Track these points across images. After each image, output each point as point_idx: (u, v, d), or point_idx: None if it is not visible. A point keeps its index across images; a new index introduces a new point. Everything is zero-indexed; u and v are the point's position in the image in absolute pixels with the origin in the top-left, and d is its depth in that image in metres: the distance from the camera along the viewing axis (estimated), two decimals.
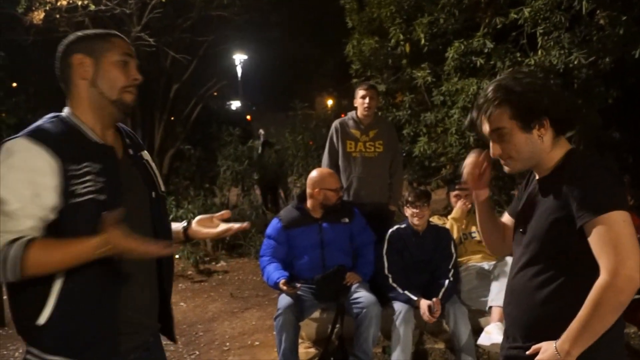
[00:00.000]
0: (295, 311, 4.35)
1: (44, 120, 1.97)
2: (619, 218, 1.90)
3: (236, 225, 2.30)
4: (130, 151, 2.12)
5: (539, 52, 5.86)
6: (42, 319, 1.87)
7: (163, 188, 2.24)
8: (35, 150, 1.84)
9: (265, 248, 4.72)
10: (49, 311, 1.87)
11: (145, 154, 2.22)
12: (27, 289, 1.88)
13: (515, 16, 5.84)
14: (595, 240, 1.90)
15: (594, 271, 1.90)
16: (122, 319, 1.98)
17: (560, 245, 2.01)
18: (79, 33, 2.06)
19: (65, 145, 1.90)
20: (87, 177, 1.89)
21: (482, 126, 2.17)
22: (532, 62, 5.79)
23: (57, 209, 1.85)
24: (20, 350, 5.44)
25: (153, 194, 2.13)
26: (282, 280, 4.39)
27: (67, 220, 1.86)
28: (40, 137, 1.87)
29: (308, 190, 4.79)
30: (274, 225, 4.78)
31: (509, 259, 4.81)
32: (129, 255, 1.86)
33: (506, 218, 2.44)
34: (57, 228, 1.87)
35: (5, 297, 6.37)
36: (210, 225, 2.34)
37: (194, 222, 2.35)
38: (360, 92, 5.45)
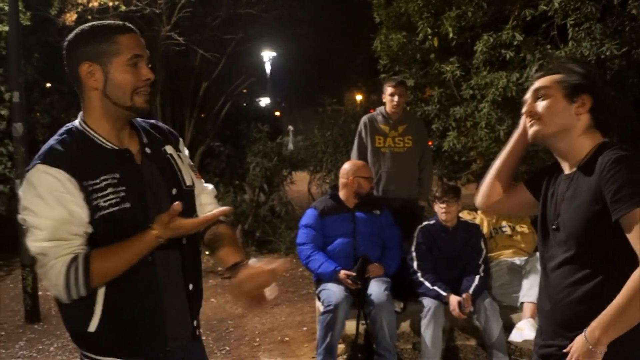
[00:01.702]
0: (346, 307, 4.37)
1: (55, 139, 1.96)
2: None
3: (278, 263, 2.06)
4: (148, 150, 2.08)
5: (570, 43, 5.78)
6: (92, 326, 1.93)
7: (189, 182, 2.18)
8: (53, 173, 1.85)
9: (305, 236, 4.74)
10: (97, 319, 1.92)
11: (169, 148, 2.17)
12: (75, 301, 1.91)
13: (545, 8, 5.77)
14: (635, 232, 1.84)
15: (634, 267, 1.84)
16: (166, 319, 2.03)
17: (598, 242, 1.96)
18: (83, 30, 1.96)
19: (79, 161, 1.90)
20: (108, 190, 1.90)
21: (530, 89, 2.18)
22: (563, 53, 5.71)
23: (90, 222, 1.89)
24: (55, 345, 5.55)
25: (174, 190, 2.08)
26: (343, 271, 4.45)
27: (100, 232, 1.90)
28: (53, 160, 1.88)
29: (342, 180, 4.86)
30: (309, 214, 4.83)
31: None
32: (181, 233, 1.95)
33: (519, 187, 2.33)
34: (93, 241, 1.91)
35: (40, 293, 6.53)
36: (259, 281, 2.01)
37: (249, 263, 2.09)
38: (388, 89, 5.44)
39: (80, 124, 2.00)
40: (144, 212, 1.96)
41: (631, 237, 1.86)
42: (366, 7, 8.03)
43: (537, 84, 2.14)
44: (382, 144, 5.49)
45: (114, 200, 1.90)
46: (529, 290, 4.40)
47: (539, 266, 4.57)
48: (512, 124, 6.14)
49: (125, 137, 2.04)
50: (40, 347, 5.58)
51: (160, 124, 2.26)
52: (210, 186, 2.39)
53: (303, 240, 4.74)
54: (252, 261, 2.09)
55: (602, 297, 1.91)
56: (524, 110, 2.16)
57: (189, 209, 2.13)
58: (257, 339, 5.57)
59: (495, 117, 6.15)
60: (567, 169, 2.13)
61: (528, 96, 2.16)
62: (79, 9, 9.11)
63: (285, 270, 2.25)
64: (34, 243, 1.86)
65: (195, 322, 2.18)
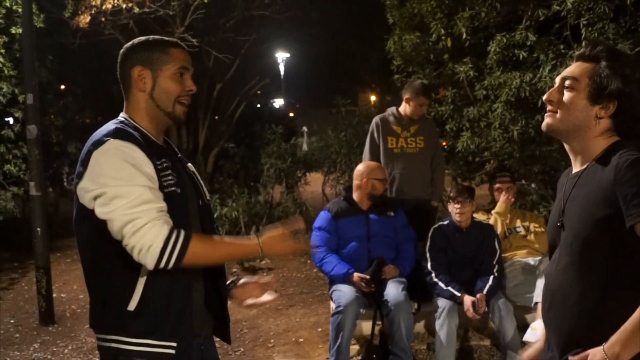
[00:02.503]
0: (356, 308, 4.35)
1: (115, 123, 2.06)
2: None
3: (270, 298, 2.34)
4: (179, 160, 2.23)
5: (583, 43, 5.73)
6: (132, 305, 1.98)
7: (208, 197, 2.31)
8: (131, 146, 1.95)
9: (318, 239, 4.72)
10: (138, 298, 1.98)
11: (191, 166, 2.31)
12: (114, 280, 2.01)
13: (558, 8, 5.72)
14: None
15: None
16: (195, 308, 2.11)
17: (608, 247, 1.81)
18: (140, 40, 2.15)
19: (143, 143, 2.00)
20: (168, 172, 2.04)
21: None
22: (576, 54, 5.67)
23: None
24: (70, 347, 5.58)
25: (200, 201, 2.21)
26: (357, 274, 4.46)
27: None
28: (125, 136, 1.98)
29: (355, 182, 4.85)
30: (322, 216, 4.81)
31: None
32: (281, 254, 2.18)
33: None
34: None
35: (54, 295, 6.57)
36: (253, 293, 2.34)
37: (239, 282, 2.36)
38: (422, 99, 5.42)
39: (126, 118, 2.12)
40: (186, 202, 2.10)
41: None
42: (379, 7, 8.01)
43: (569, 70, 1.98)
44: (394, 145, 5.47)
45: (172, 181, 2.04)
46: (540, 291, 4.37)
47: None
48: (525, 124, 6.12)
49: (160, 141, 2.17)
50: (54, 349, 5.62)
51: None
52: None
53: (316, 243, 4.74)
54: (245, 279, 2.38)
55: (617, 310, 1.76)
56: (546, 96, 2.00)
57: (212, 218, 2.33)
58: (272, 340, 5.57)
59: (509, 118, 6.12)
60: (576, 167, 2.02)
61: (557, 80, 2.02)
62: (93, 11, 9.17)
63: (272, 285, 2.41)
64: (123, 211, 1.89)
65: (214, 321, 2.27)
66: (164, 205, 1.95)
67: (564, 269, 1.94)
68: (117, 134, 1.97)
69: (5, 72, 8.53)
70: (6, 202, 8.73)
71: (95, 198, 1.91)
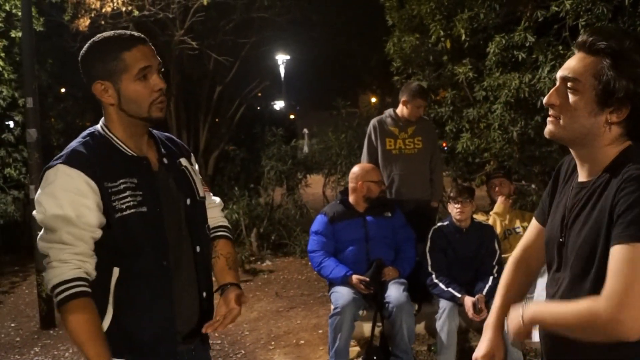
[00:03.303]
0: (353, 310, 4.35)
1: (78, 142, 2.02)
2: None
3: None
4: (165, 160, 2.14)
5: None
6: (105, 324, 1.96)
7: (202, 194, 2.24)
8: (73, 174, 1.91)
9: (315, 244, 4.73)
10: (109, 318, 1.96)
11: (184, 161, 2.23)
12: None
13: (557, 9, 5.73)
14: (617, 267, 1.50)
15: None
16: (178, 323, 2.07)
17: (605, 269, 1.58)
18: (90, 50, 2.03)
19: (100, 165, 1.96)
20: (126, 193, 1.96)
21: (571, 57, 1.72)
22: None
23: (102, 225, 1.94)
24: (71, 351, 5.58)
25: (188, 200, 2.14)
26: (355, 276, 4.46)
27: (118, 233, 1.95)
28: (75, 161, 1.93)
29: (351, 185, 4.86)
30: (319, 220, 4.82)
31: None
32: None
33: (535, 228, 2.03)
34: (111, 241, 1.95)
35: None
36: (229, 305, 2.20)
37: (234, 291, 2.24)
38: (418, 101, 5.42)
39: (102, 128, 2.07)
40: (159, 218, 2.02)
41: (611, 269, 1.52)
42: (379, 9, 8.03)
43: (570, 67, 1.67)
44: (392, 146, 5.48)
45: (131, 203, 1.96)
46: (543, 291, 4.35)
47: None
48: (525, 125, 6.12)
49: (143, 145, 2.10)
50: (55, 352, 5.62)
51: (175, 138, 2.35)
52: (217, 200, 2.46)
53: (314, 248, 4.74)
54: (235, 291, 2.23)
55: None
56: (546, 100, 1.73)
57: (202, 219, 2.24)
58: (273, 343, 5.57)
59: (509, 119, 6.13)
60: (583, 176, 1.75)
61: (558, 78, 1.73)
62: (92, 14, 9.18)
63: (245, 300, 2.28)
64: (40, 241, 1.94)
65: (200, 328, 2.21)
66: (84, 247, 1.90)
67: (568, 291, 1.74)
68: (68, 158, 1.94)
69: (5, 75, 8.53)
70: (6, 205, 8.74)
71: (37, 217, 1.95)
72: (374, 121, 5.62)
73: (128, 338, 1.99)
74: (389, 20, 7.65)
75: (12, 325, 6.52)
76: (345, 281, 4.48)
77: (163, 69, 2.08)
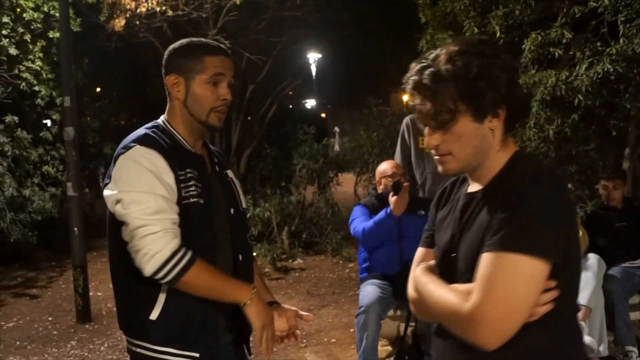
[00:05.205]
0: (378, 308, 4.29)
1: (146, 128, 2.09)
2: (522, 268, 1.43)
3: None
4: (217, 168, 2.23)
5: (621, 40, 5.63)
6: (154, 314, 2.01)
7: (244, 205, 2.31)
8: (152, 153, 1.97)
9: (356, 217, 4.69)
10: (160, 307, 2.01)
11: (230, 173, 2.31)
12: (139, 288, 2.02)
13: (595, 4, 5.63)
14: (483, 271, 1.47)
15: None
16: (220, 317, 2.12)
17: None
18: (177, 46, 2.15)
19: (170, 151, 2.02)
20: (191, 182, 2.03)
21: (413, 100, 1.65)
22: (614, 51, 5.58)
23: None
24: (106, 345, 5.66)
25: (232, 210, 2.20)
26: (394, 198, 4.35)
27: (181, 220, 1.98)
28: (151, 143, 2.00)
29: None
30: (358, 208, 4.78)
31: (591, 255, 4.69)
32: (256, 321, 2.06)
33: (422, 253, 1.93)
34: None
35: (91, 293, 6.67)
36: (290, 322, 2.32)
37: (280, 307, 2.31)
38: None
39: (163, 122, 2.14)
40: (212, 213, 2.08)
41: (480, 273, 1.48)
42: (411, 7, 7.98)
43: (430, 104, 1.59)
44: (425, 145, 5.43)
45: (194, 192, 2.03)
46: (581, 293, 4.31)
47: (590, 266, 4.48)
48: (561, 123, 6.03)
49: (198, 148, 2.18)
50: (91, 346, 5.71)
51: (222, 152, 2.43)
52: None
53: (353, 218, 4.71)
54: (286, 306, 2.34)
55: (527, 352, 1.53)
56: (427, 145, 1.67)
57: (244, 229, 2.31)
58: (304, 340, 5.58)
59: (544, 117, 6.04)
60: (472, 186, 1.72)
61: (422, 125, 1.67)
62: (127, 15, 9.29)
63: (309, 319, 2.40)
64: (138, 216, 1.91)
65: (242, 330, 2.24)
66: (177, 217, 1.96)
67: None
68: (143, 140, 2.01)
69: (44, 75, 8.69)
70: (44, 202, 8.88)
71: (116, 202, 1.95)
72: (407, 119, 5.58)
73: (176, 328, 2.03)
74: (422, 17, 7.60)
75: (50, 319, 6.64)
76: (390, 215, 4.38)
77: (232, 84, 2.16)
